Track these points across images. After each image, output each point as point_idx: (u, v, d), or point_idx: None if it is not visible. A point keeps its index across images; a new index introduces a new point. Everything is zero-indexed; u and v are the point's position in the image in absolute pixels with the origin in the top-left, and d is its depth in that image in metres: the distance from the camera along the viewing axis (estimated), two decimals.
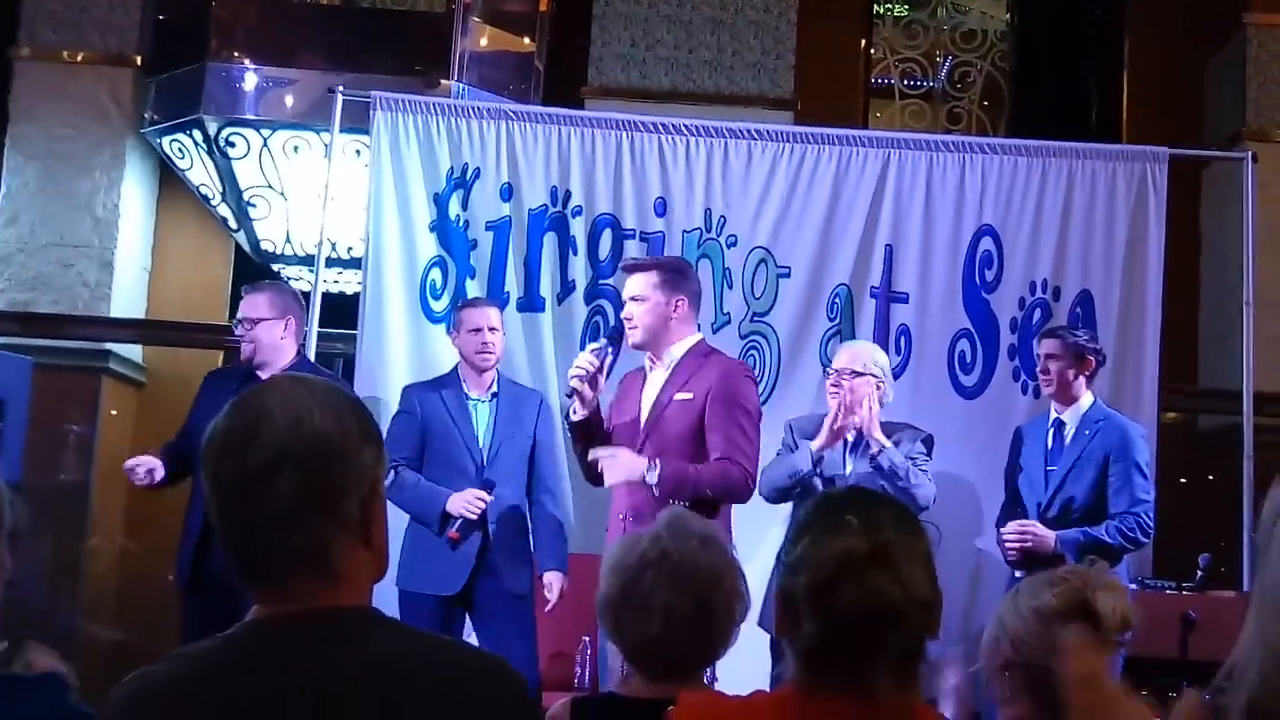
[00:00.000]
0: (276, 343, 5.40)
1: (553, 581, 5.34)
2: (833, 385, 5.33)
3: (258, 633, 1.60)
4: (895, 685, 1.94)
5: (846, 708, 1.94)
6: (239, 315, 5.47)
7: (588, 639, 5.41)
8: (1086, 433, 5.39)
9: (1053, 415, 5.50)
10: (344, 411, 1.64)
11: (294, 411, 1.60)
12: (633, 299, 4.86)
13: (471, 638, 5.24)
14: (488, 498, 5.18)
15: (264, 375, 5.29)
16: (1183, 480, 7.49)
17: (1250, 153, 6.41)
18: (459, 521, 5.15)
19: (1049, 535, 5.19)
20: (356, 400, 1.71)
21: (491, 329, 5.44)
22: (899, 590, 1.92)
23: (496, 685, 1.59)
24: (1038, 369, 5.54)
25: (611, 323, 5.98)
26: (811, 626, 1.94)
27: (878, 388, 5.31)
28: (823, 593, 1.93)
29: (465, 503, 5.16)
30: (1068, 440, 5.42)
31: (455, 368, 5.51)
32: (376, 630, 1.61)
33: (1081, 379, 5.45)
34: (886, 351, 6.02)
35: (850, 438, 5.30)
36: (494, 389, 5.45)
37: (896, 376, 6.03)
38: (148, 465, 5.23)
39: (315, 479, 1.59)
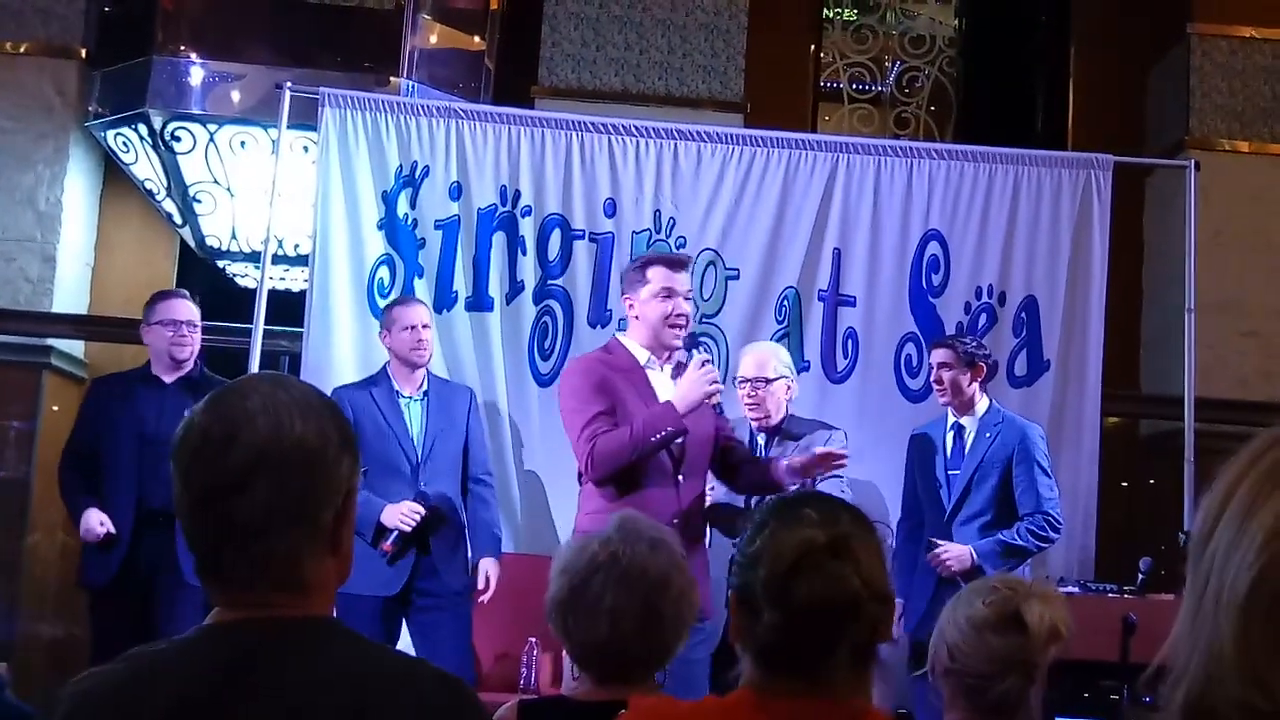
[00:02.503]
0: None
1: (487, 569, 5.34)
2: (749, 396, 5.37)
3: (218, 638, 1.57)
4: (851, 685, 1.95)
5: (803, 708, 1.94)
6: (181, 317, 5.63)
7: (534, 640, 5.40)
8: (987, 435, 5.48)
9: (951, 419, 5.57)
10: (324, 419, 1.60)
11: (275, 417, 1.56)
12: (688, 297, 4.79)
13: (405, 636, 5.23)
14: (422, 510, 5.19)
15: (169, 379, 5.61)
16: (1124, 484, 7.57)
17: (1193, 161, 6.50)
18: (394, 534, 5.15)
19: (963, 551, 5.28)
20: (333, 404, 1.67)
21: (425, 326, 5.48)
22: (859, 581, 1.93)
23: (454, 704, 1.58)
24: (931, 379, 5.60)
25: (560, 323, 6.01)
26: (770, 619, 1.94)
27: (788, 388, 5.39)
28: (782, 583, 1.93)
29: (400, 515, 5.16)
30: (969, 444, 5.50)
31: (384, 367, 5.52)
32: (337, 641, 1.59)
33: (975, 385, 5.52)
34: (834, 354, 6.07)
35: (762, 439, 5.41)
36: (424, 387, 5.48)
37: (844, 379, 6.09)
38: (99, 519, 5.33)
39: (293, 489, 1.55)
